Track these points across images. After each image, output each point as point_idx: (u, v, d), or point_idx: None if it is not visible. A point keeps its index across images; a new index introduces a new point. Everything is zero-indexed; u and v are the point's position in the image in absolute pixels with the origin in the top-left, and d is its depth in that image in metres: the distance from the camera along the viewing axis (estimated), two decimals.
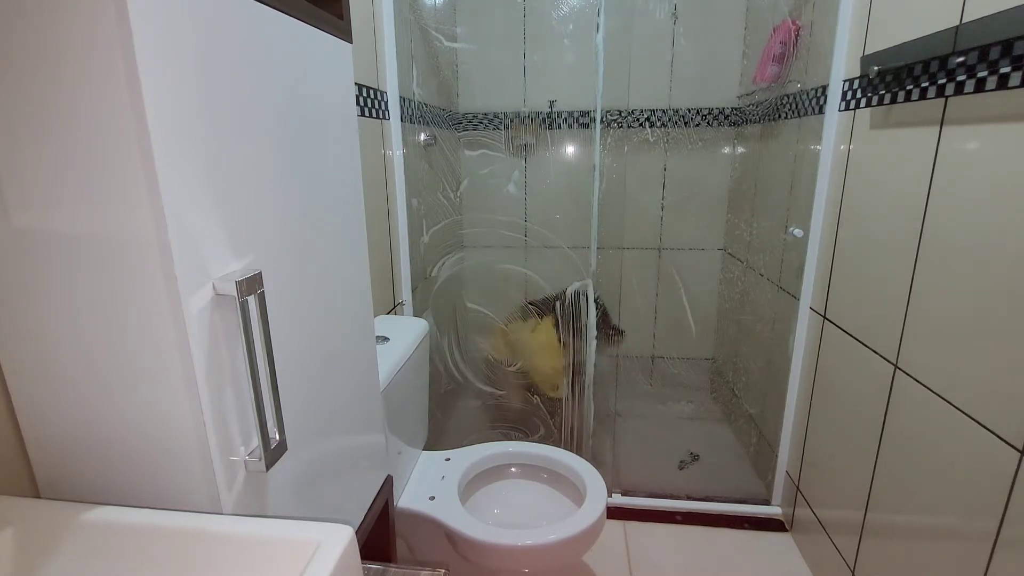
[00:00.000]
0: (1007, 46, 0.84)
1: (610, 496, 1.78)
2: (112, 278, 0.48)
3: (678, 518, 1.76)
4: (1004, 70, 0.85)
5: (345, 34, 0.79)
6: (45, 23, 0.43)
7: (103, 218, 0.47)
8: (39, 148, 0.46)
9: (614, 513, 1.76)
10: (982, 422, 0.89)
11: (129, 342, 0.50)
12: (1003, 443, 0.84)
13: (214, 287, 0.51)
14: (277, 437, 0.58)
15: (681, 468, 2.06)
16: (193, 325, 0.49)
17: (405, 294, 1.73)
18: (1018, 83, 0.82)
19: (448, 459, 1.45)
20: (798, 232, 1.62)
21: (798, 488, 1.63)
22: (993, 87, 0.87)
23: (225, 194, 0.53)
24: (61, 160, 0.46)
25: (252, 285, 0.54)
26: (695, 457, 2.12)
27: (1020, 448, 0.81)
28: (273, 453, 0.58)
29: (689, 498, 1.80)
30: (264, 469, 0.56)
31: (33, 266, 0.50)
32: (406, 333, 1.37)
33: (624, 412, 2.32)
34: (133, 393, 0.51)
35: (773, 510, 1.75)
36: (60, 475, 0.56)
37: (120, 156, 0.45)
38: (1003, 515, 0.84)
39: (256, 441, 0.57)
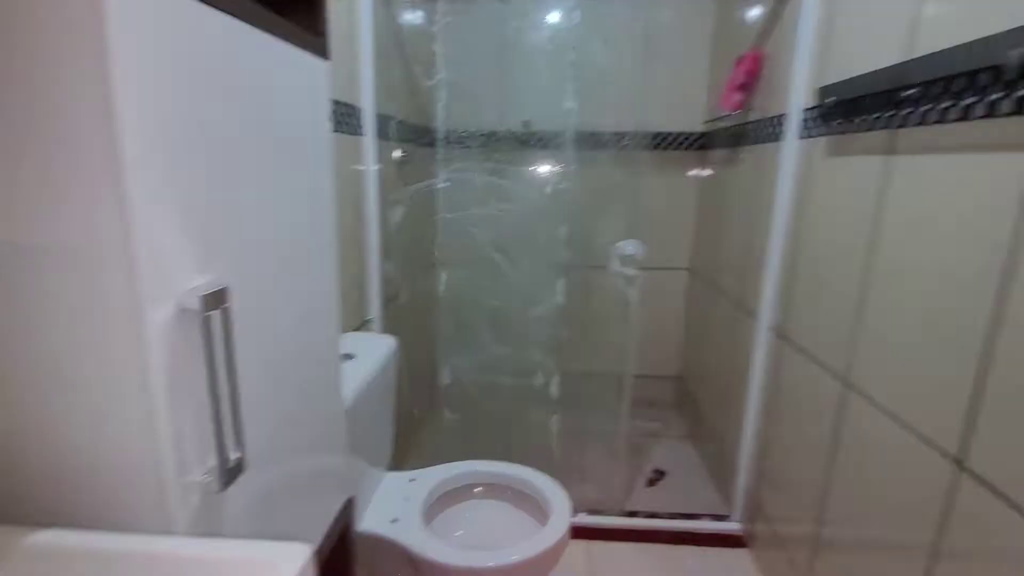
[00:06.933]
0: (948, 82, 0.90)
1: (575, 515, 1.77)
2: (70, 287, 0.47)
3: (641, 536, 1.76)
4: (945, 105, 0.91)
5: (322, 52, 0.79)
6: (19, 23, 0.42)
7: (66, 224, 0.45)
8: (3, 151, 0.45)
9: (579, 533, 1.75)
10: (924, 435, 0.93)
11: (84, 354, 0.48)
12: (940, 455, 0.88)
13: (178, 300, 0.50)
14: (236, 456, 0.57)
15: (649, 485, 2.08)
16: (154, 338, 0.47)
17: (374, 311, 1.71)
18: (957, 118, 0.88)
19: (413, 479, 1.43)
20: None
21: (756, 504, 1.66)
22: (936, 120, 0.93)
23: (194, 206, 0.52)
24: (26, 163, 0.45)
25: (217, 299, 0.53)
26: (661, 474, 2.14)
27: (955, 457, 0.85)
28: (230, 473, 0.56)
29: (653, 516, 1.81)
30: (219, 489, 0.55)
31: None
32: (373, 351, 1.35)
33: (592, 432, 2.32)
34: (86, 406, 0.49)
35: (733, 526, 1.77)
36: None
37: (87, 160, 0.44)
38: (941, 526, 0.88)
39: (213, 460, 0.55)
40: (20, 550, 0.45)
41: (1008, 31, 0.76)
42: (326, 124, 0.81)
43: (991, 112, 0.81)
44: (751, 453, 1.71)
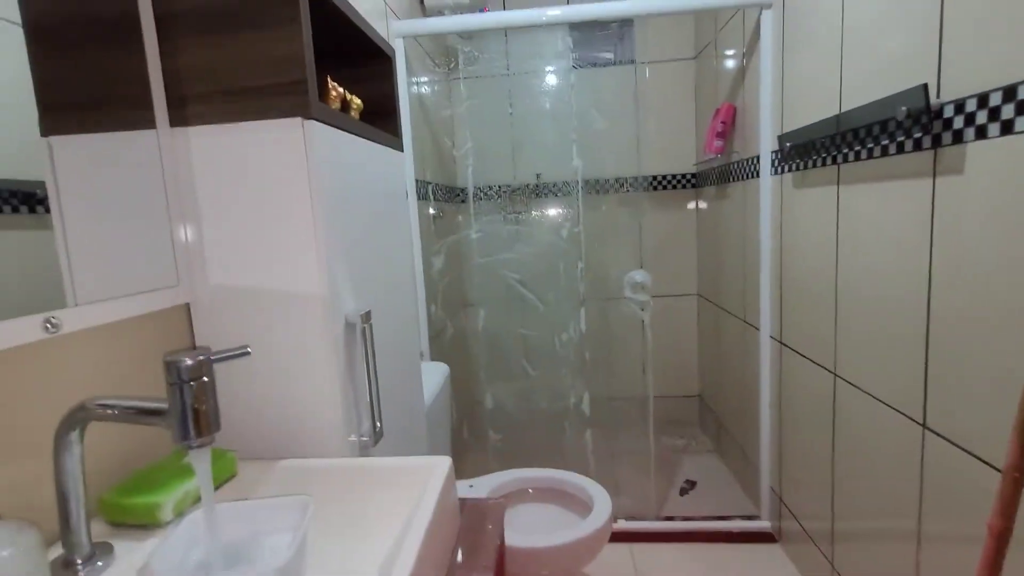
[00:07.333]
0: (868, 129, 1.18)
1: (616, 522, 1.96)
2: (294, 310, 0.75)
3: (679, 537, 1.93)
4: (870, 145, 1.19)
5: (399, 147, 1.10)
6: (267, 180, 0.73)
7: (291, 277, 0.74)
8: (267, 244, 0.75)
9: (621, 537, 1.93)
10: (895, 406, 1.16)
11: (298, 353, 0.75)
12: (909, 420, 1.10)
13: (346, 318, 0.78)
14: (379, 425, 0.83)
15: (682, 494, 2.25)
16: (336, 343, 0.75)
17: (424, 345, 1.98)
18: (878, 155, 1.16)
19: (471, 486, 1.66)
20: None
21: (781, 501, 1.84)
22: (865, 157, 1.21)
23: (350, 259, 0.81)
24: (273, 246, 0.74)
25: (366, 317, 0.81)
26: (692, 484, 2.32)
27: (920, 420, 1.07)
28: (377, 436, 0.82)
29: (688, 519, 1.99)
30: (372, 446, 0.81)
31: (250, 307, 0.77)
32: (431, 376, 1.62)
33: (624, 450, 2.50)
34: (301, 385, 0.76)
35: (763, 524, 1.94)
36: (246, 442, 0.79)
37: (303, 241, 0.73)
38: (920, 477, 1.09)
39: (367, 425, 0.81)
40: (278, 469, 0.71)
41: (897, 93, 1.04)
42: (410, 197, 1.12)
43: (899, 150, 1.09)
44: (770, 454, 1.90)
